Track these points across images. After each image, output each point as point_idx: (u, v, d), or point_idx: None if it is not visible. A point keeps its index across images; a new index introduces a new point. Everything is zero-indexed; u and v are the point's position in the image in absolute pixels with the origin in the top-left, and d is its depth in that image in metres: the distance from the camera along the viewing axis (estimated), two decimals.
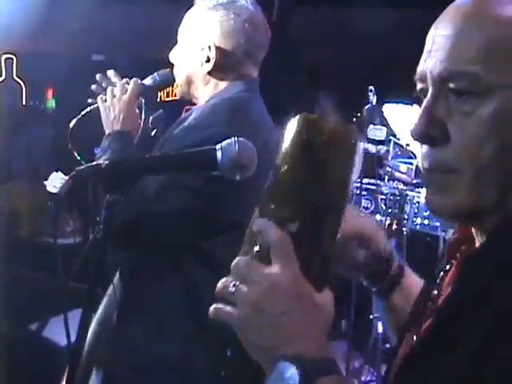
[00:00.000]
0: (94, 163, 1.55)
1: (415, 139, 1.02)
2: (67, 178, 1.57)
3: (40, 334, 3.86)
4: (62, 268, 1.60)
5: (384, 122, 4.05)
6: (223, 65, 2.15)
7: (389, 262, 1.32)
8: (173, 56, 2.26)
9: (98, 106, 2.21)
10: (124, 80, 2.22)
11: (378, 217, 4.03)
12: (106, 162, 1.52)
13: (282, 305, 0.96)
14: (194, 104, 2.29)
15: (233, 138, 1.51)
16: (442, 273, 1.12)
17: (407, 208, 4.03)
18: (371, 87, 4.06)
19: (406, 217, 4.03)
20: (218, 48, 2.14)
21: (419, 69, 1.02)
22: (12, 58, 8.16)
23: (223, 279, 1.01)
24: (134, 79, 2.22)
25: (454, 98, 0.97)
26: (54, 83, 8.17)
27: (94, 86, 2.29)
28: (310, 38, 7.99)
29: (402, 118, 3.88)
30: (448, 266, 1.12)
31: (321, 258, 1.02)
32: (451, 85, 0.97)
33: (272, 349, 0.97)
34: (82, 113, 2.25)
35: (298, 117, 1.04)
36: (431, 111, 0.99)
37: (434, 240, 4.01)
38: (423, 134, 0.99)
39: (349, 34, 7.68)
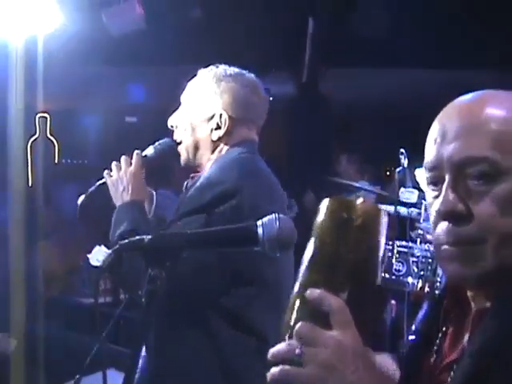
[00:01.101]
0: (137, 237, 1.58)
1: (443, 218, 1.12)
2: (110, 251, 1.60)
3: None
4: (97, 329, 1.63)
5: (416, 185, 4.05)
6: (232, 132, 2.25)
7: None
8: (175, 122, 2.33)
9: (104, 183, 2.30)
10: (124, 157, 2.29)
11: (410, 279, 4.00)
12: (149, 236, 1.55)
13: (352, 363, 1.03)
14: (198, 171, 2.33)
15: (274, 215, 1.54)
16: (440, 334, 1.23)
17: (439, 271, 3.98)
18: (402, 150, 4.09)
19: (438, 279, 3.99)
20: (228, 116, 2.24)
21: (431, 158, 1.15)
22: (46, 117, 8.34)
23: (282, 344, 1.07)
24: (136, 151, 2.30)
25: (472, 182, 1.11)
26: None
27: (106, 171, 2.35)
28: (341, 99, 8.07)
29: None
30: (444, 329, 1.22)
31: (368, 321, 1.15)
32: (470, 170, 1.10)
33: None
34: (90, 189, 2.34)
35: (334, 198, 1.20)
36: (453, 192, 1.11)
37: None
38: (451, 212, 1.11)
39: (380, 95, 7.75)
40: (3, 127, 3.85)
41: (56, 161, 8.39)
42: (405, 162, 4.05)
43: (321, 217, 1.18)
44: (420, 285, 4.01)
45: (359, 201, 1.18)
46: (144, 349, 2.19)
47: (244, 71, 2.34)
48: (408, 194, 4.05)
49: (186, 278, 1.96)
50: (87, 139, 8.20)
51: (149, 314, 1.61)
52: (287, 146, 8.18)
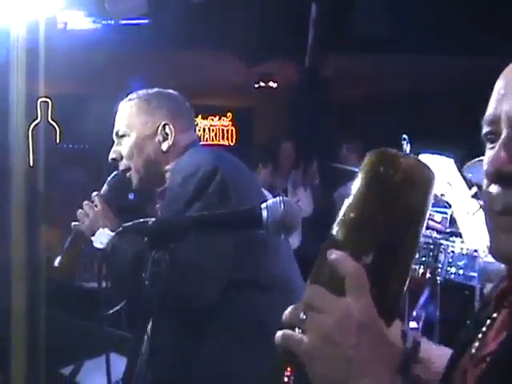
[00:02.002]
0: (141, 220, 1.58)
1: (489, 179, 1.00)
2: (113, 234, 1.60)
3: (74, 378, 3.87)
4: (99, 313, 1.63)
5: None
6: (179, 138, 2.35)
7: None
8: (118, 154, 2.41)
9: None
10: (85, 202, 2.37)
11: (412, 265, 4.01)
12: (153, 219, 1.55)
13: (354, 337, 0.94)
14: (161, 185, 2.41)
15: (278, 198, 1.54)
16: (488, 320, 1.09)
17: (441, 257, 3.99)
18: (405, 136, 4.09)
19: (440, 266, 4.00)
20: (172, 124, 2.34)
21: (490, 111, 1.03)
22: (47, 102, 8.32)
23: (293, 306, 1.00)
24: (94, 193, 2.39)
25: None
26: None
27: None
28: (342, 85, 8.06)
29: (437, 168, 3.89)
30: (495, 314, 1.08)
31: (392, 291, 1.02)
32: None
33: (340, 382, 0.94)
34: (65, 246, 2.40)
35: (374, 152, 1.06)
36: (507, 150, 0.98)
37: (468, 290, 3.98)
38: (500, 173, 0.97)
39: (383, 82, 7.74)
40: (5, 112, 3.84)
41: (57, 145, 8.37)
42: (407, 147, 4.05)
43: (360, 170, 1.06)
44: (421, 271, 4.03)
45: (404, 155, 1.04)
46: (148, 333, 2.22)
47: (160, 89, 2.48)
48: None
49: (195, 263, 1.98)
50: (89, 124, 8.19)
51: (152, 296, 1.60)
52: (289, 132, 8.17)
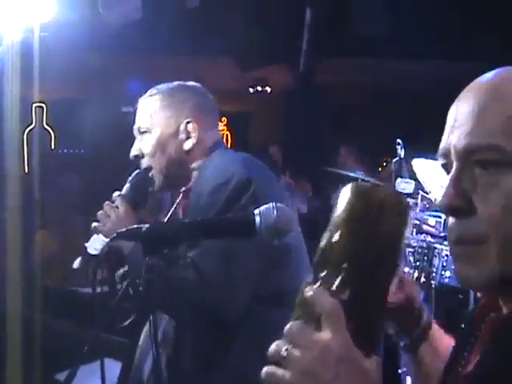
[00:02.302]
0: (135, 226, 1.58)
1: (445, 212, 1.05)
2: (108, 240, 1.61)
3: (69, 383, 3.86)
4: (93, 319, 1.63)
5: (412, 176, 4.07)
6: (203, 137, 2.27)
7: (420, 312, 1.35)
8: (139, 151, 2.33)
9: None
10: (106, 202, 2.26)
11: (406, 269, 4.02)
12: (147, 225, 1.55)
13: (333, 369, 0.97)
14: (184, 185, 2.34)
15: (271, 204, 1.54)
16: (472, 338, 1.13)
17: (435, 261, 4.00)
18: (399, 140, 4.11)
19: (434, 270, 4.01)
20: (195, 123, 2.26)
21: (442, 145, 1.06)
22: (42, 107, 8.33)
23: (276, 342, 1.02)
24: (115, 194, 2.28)
25: (478, 170, 1.01)
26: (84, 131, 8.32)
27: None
28: (338, 89, 8.08)
29: (431, 172, 3.90)
30: (479, 332, 1.12)
31: (370, 323, 1.05)
32: (476, 157, 1.00)
33: None
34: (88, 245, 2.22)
35: (350, 186, 1.08)
36: (457, 184, 1.02)
37: (462, 293, 3.98)
38: (450, 207, 1.02)
39: (377, 86, 7.75)
40: None
41: (52, 150, 8.39)
42: (401, 152, 4.07)
43: (337, 206, 1.07)
44: (416, 275, 4.04)
45: (378, 188, 1.06)
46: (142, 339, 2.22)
47: (184, 83, 2.38)
48: (404, 185, 4.07)
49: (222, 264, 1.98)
50: (83, 129, 8.19)
51: (147, 302, 1.61)
52: (285, 136, 8.18)
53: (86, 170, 7.36)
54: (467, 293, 3.86)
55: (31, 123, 8.23)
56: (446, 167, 1.07)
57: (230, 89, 8.96)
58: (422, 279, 3.99)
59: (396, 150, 4.08)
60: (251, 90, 8.96)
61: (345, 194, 1.07)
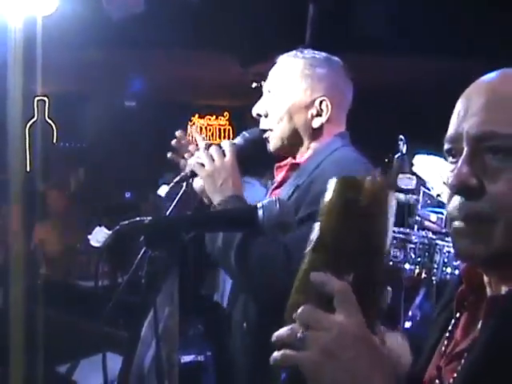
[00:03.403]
0: (138, 219, 1.58)
1: (453, 191, 1.13)
2: (110, 232, 1.61)
3: (70, 376, 3.87)
4: (95, 312, 1.64)
5: (414, 172, 4.07)
6: (332, 119, 2.19)
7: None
8: (264, 111, 2.25)
9: (188, 173, 2.14)
10: (212, 144, 2.16)
11: (408, 266, 4.02)
12: (150, 218, 1.55)
13: (352, 350, 1.01)
14: (285, 158, 2.28)
15: (274, 197, 1.55)
16: (453, 321, 1.21)
17: (437, 257, 4.00)
18: (401, 136, 4.10)
19: (435, 266, 4.01)
20: (330, 102, 2.18)
21: (452, 131, 1.15)
22: (44, 100, 8.32)
23: (285, 328, 1.06)
24: (226, 141, 2.19)
25: (489, 156, 1.09)
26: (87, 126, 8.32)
27: (170, 154, 2.25)
28: None
29: (433, 168, 3.90)
30: (458, 315, 1.21)
31: (374, 304, 1.11)
32: (488, 144, 1.09)
33: None
34: (175, 180, 2.14)
35: (339, 180, 1.16)
36: (468, 165, 1.10)
37: None
38: (461, 185, 1.10)
39: (380, 83, 7.74)
40: (1, 110, 3.84)
41: (54, 144, 8.39)
42: (403, 148, 4.07)
43: (327, 197, 1.15)
44: (417, 271, 4.04)
45: (367, 180, 1.14)
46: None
47: (330, 55, 2.27)
48: (406, 181, 4.07)
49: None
50: (85, 122, 8.20)
51: (148, 296, 1.61)
52: None
53: (87, 163, 7.36)
54: None
55: (33, 116, 8.23)
56: (450, 152, 1.16)
57: (232, 84, 8.96)
58: (423, 275, 3.99)
59: (398, 146, 4.08)
60: (253, 84, 8.96)
61: (334, 186, 1.15)
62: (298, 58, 2.22)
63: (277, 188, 2.29)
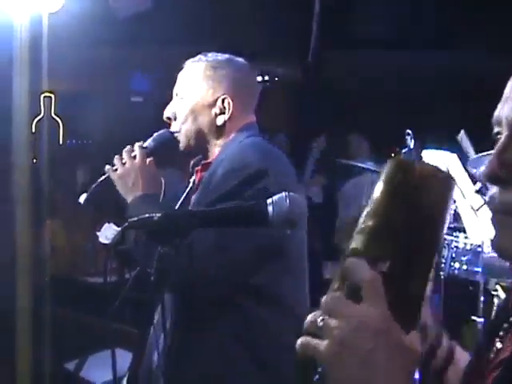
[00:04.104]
0: (147, 215, 1.58)
1: (486, 180, 1.04)
2: (119, 229, 1.60)
3: (78, 373, 3.88)
4: (104, 308, 1.63)
5: None
6: (235, 116, 2.28)
7: (438, 337, 1.29)
8: (172, 113, 2.35)
9: (107, 178, 2.27)
10: (127, 147, 2.28)
11: None
12: (159, 214, 1.55)
13: (370, 342, 0.95)
14: (206, 158, 2.35)
15: (284, 193, 1.54)
16: (506, 324, 1.11)
17: (445, 252, 3.99)
18: (409, 131, 4.09)
19: (443, 261, 4.00)
20: (231, 100, 2.27)
21: (496, 113, 1.07)
22: (50, 97, 8.32)
23: (313, 313, 1.01)
24: (136, 144, 2.29)
25: None
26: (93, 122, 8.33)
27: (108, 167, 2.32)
28: (346, 79, 8.05)
29: (442, 163, 3.89)
30: None
31: (411, 298, 1.02)
32: None
33: None
34: (93, 186, 2.28)
35: (391, 160, 1.07)
36: (503, 154, 1.02)
37: (472, 285, 3.97)
38: (494, 176, 1.02)
39: (386, 77, 7.72)
40: (8, 107, 3.84)
41: (61, 141, 8.39)
42: (411, 143, 4.06)
43: (379, 179, 1.07)
44: None
45: (420, 162, 1.06)
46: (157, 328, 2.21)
47: (232, 56, 2.38)
48: None
49: (211, 255, 1.95)
50: (92, 119, 8.20)
51: (157, 292, 1.61)
52: (293, 127, 8.17)
53: (94, 159, 7.37)
54: (476, 284, 3.85)
55: (39, 113, 8.23)
56: (498, 135, 1.07)
57: None
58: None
59: (406, 140, 4.07)
60: (259, 79, 8.97)
61: (387, 168, 1.06)
62: (201, 62, 2.34)
63: (196, 190, 2.35)
